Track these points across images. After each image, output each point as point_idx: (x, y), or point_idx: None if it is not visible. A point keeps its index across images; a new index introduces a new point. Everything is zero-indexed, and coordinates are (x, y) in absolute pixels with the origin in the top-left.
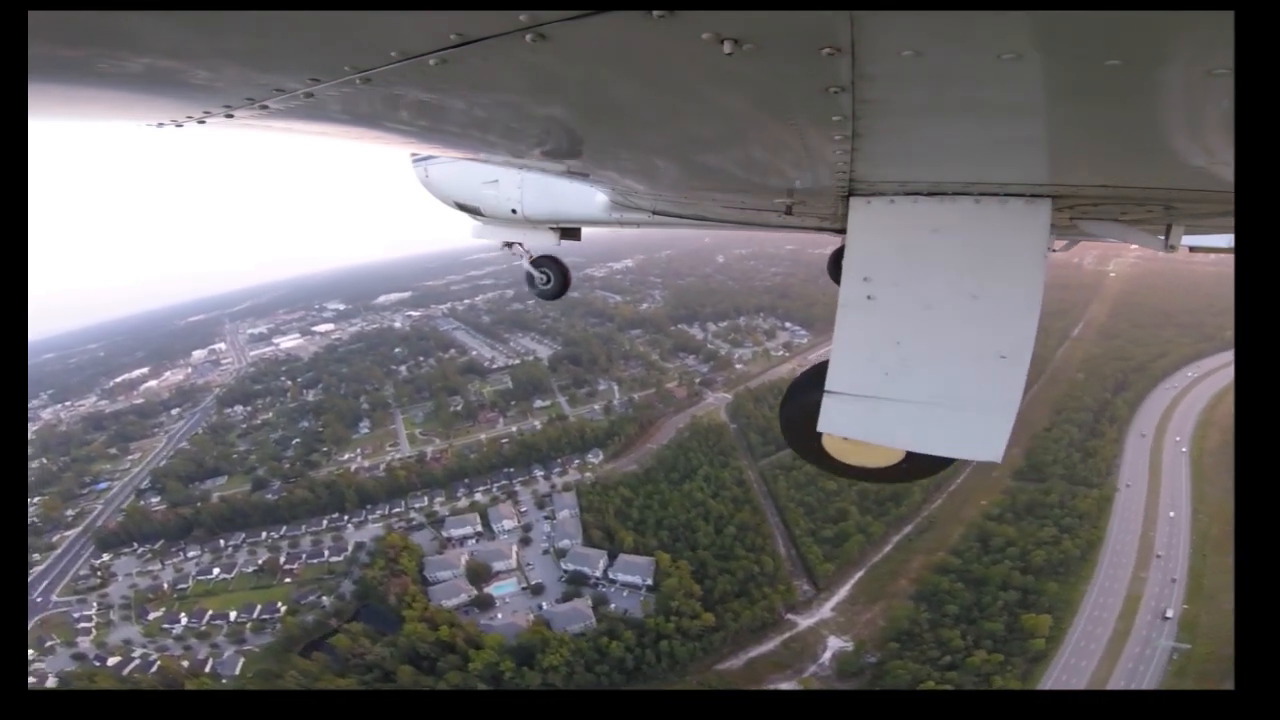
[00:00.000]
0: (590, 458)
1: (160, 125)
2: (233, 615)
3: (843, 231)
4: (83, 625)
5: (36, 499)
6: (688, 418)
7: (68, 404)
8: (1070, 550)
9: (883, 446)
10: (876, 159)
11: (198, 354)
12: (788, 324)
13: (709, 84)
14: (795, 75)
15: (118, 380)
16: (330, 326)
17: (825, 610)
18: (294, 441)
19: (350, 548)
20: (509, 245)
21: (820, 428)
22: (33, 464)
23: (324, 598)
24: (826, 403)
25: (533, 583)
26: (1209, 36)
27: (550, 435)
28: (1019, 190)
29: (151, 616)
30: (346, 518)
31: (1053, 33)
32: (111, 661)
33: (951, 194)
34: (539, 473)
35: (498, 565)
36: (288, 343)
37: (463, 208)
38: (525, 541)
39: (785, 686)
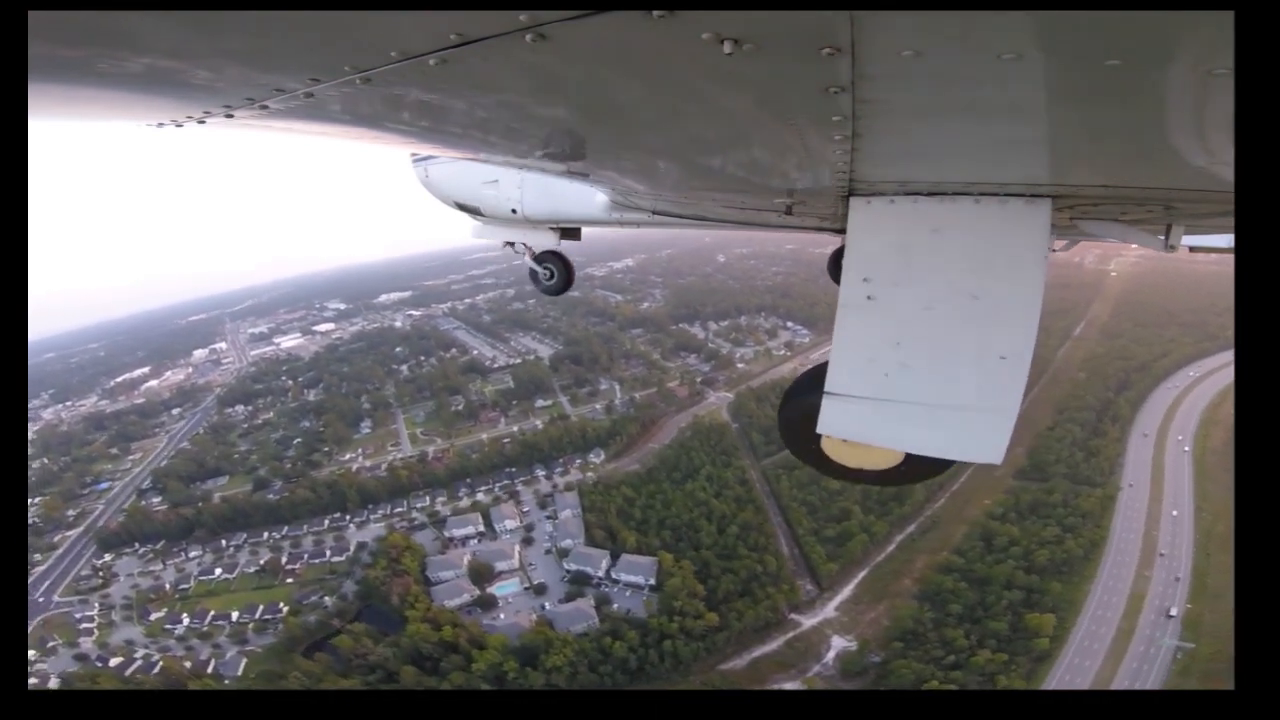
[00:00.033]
0: (592, 457)
1: (160, 125)
2: (235, 615)
3: (843, 231)
4: (84, 626)
5: (37, 499)
6: (689, 417)
7: (69, 404)
8: (1074, 549)
9: (882, 448)
10: (876, 159)
11: (198, 354)
12: (789, 323)
13: (709, 84)
14: (795, 75)
15: (118, 380)
16: (331, 326)
17: (829, 610)
18: (295, 441)
19: (352, 548)
20: (509, 244)
21: (820, 429)
22: (34, 464)
23: (326, 598)
24: (826, 404)
25: (535, 583)
26: (1209, 36)
27: (552, 435)
28: (1019, 190)
29: (153, 617)
30: (348, 518)
31: (1053, 33)
32: (114, 662)
33: (951, 194)
34: (541, 472)
35: (500, 565)
36: (289, 342)
37: (463, 208)
38: (527, 541)
39: (789, 686)
